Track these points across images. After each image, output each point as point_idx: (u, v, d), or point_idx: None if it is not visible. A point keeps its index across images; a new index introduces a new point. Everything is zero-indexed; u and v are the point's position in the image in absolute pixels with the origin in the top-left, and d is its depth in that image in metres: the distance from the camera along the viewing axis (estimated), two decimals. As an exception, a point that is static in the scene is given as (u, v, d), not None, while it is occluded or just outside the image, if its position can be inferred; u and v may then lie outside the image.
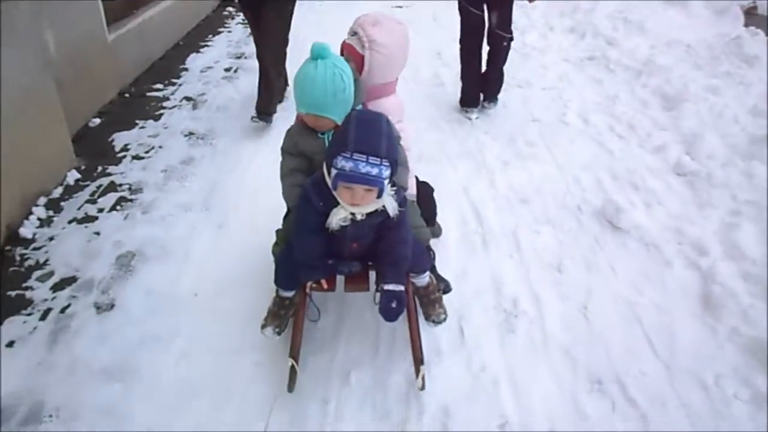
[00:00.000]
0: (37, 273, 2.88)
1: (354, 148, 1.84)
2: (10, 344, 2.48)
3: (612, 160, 3.89)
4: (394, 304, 2.06)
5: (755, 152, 3.78)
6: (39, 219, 3.25)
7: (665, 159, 3.87)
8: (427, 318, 2.39)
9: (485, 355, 2.44)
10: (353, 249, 2.15)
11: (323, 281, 2.18)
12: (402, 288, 2.09)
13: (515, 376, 2.35)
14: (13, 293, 2.75)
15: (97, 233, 3.15)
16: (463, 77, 4.50)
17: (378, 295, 2.13)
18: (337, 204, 1.97)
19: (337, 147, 1.88)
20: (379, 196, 1.94)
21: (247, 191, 3.51)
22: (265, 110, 4.19)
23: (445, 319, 2.39)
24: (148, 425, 2.14)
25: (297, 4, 4.24)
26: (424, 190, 2.72)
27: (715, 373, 2.38)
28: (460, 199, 3.47)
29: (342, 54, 2.31)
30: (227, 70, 5.55)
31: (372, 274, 2.27)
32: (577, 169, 3.77)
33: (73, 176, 3.64)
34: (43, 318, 2.61)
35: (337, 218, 1.98)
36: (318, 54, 2.05)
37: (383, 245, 2.12)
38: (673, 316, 2.66)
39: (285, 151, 2.29)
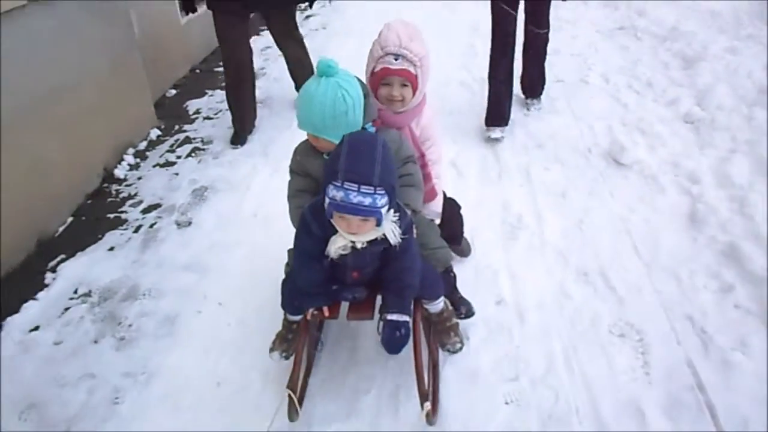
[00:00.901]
0: (130, 202, 3.56)
1: (344, 177, 1.70)
2: (111, 249, 3.15)
3: (626, 112, 4.26)
4: (397, 335, 1.95)
5: (760, 100, 4.07)
6: (129, 165, 3.94)
7: (676, 110, 4.21)
8: (442, 347, 2.30)
9: (490, 256, 2.93)
10: (354, 278, 2.03)
11: (325, 309, 2.05)
12: (406, 318, 1.97)
13: (513, 270, 2.84)
14: (111, 215, 3.44)
15: (176, 173, 3.81)
16: (490, 90, 4.00)
17: (381, 324, 1.99)
18: (335, 232, 1.86)
19: (329, 175, 1.75)
20: (379, 224, 1.81)
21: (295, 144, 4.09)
22: None
23: (461, 349, 2.28)
24: (219, 300, 2.74)
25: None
26: (450, 207, 2.58)
27: (689, 269, 2.79)
28: (481, 144, 3.95)
29: (382, 82, 2.15)
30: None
31: (379, 300, 2.10)
32: (592, 119, 4.18)
33: (155, 133, 4.34)
34: (135, 231, 3.28)
35: (335, 247, 1.87)
36: (323, 71, 1.90)
37: (387, 273, 1.99)
38: (660, 229, 3.06)
39: (292, 170, 2.19)
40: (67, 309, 2.78)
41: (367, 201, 1.72)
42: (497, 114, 3.98)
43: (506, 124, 4.02)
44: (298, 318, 2.20)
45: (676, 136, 3.89)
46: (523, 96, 4.43)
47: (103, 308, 2.76)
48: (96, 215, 3.45)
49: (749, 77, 4.48)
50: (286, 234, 2.06)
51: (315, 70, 1.93)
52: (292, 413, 2.11)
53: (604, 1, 6.92)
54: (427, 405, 2.03)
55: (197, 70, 5.63)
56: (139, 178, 3.80)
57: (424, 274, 2.06)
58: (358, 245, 1.87)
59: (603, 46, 5.60)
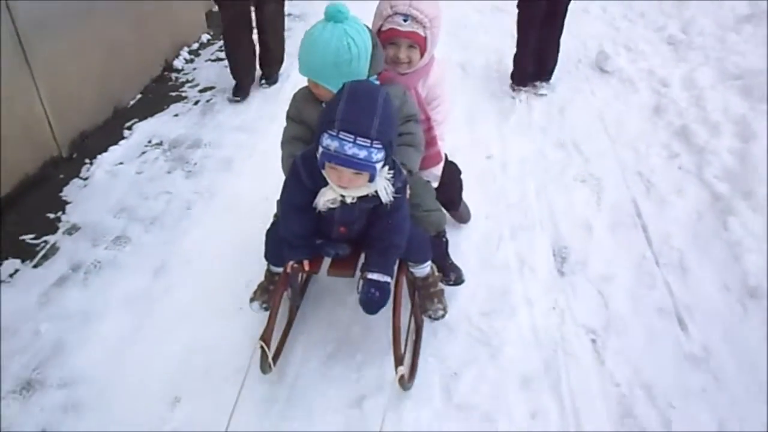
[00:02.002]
0: (188, 84, 4.25)
1: (341, 126, 1.63)
2: (176, 115, 3.85)
3: (617, 34, 4.84)
4: (376, 295, 1.89)
5: (736, 28, 4.63)
6: (184, 59, 4.61)
7: (661, 34, 4.78)
8: (424, 312, 2.23)
9: (484, 130, 3.58)
10: (341, 233, 1.98)
11: (305, 262, 1.98)
12: (387, 279, 1.92)
13: (503, 137, 3.49)
14: (173, 93, 4.13)
15: (226, 66, 4.46)
16: (519, 47, 3.93)
17: (361, 282, 1.94)
18: (326, 184, 1.80)
19: (324, 123, 1.67)
20: (372, 180, 1.74)
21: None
22: (271, 75, 4.21)
23: (442, 316, 2.20)
24: (265, 150, 3.43)
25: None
26: (450, 170, 2.47)
27: (646, 143, 3.43)
28: (486, 50, 4.56)
29: (389, 42, 2.06)
30: None
31: (362, 259, 2.04)
32: (586, 38, 4.75)
33: (205, 37, 4.99)
34: (195, 104, 3.98)
35: (324, 199, 1.81)
36: (332, 16, 1.82)
37: (373, 231, 1.94)
38: (628, 117, 3.69)
39: (289, 116, 2.11)
40: (143, 152, 3.49)
41: (362, 154, 1.65)
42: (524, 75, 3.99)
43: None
44: (280, 270, 2.14)
45: (657, 53, 4.47)
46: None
47: (173, 152, 3.47)
48: (160, 93, 4.14)
49: (732, 10, 5.01)
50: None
51: (324, 15, 1.85)
52: (265, 366, 2.06)
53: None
54: (401, 369, 1.97)
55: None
56: (194, 69, 4.48)
57: (413, 237, 2.00)
58: (348, 200, 1.81)
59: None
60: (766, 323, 2.31)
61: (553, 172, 3.21)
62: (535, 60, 3.93)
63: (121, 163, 3.39)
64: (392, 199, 1.81)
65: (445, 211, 2.39)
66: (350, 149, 1.64)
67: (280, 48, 4.20)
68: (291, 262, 1.98)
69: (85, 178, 3.28)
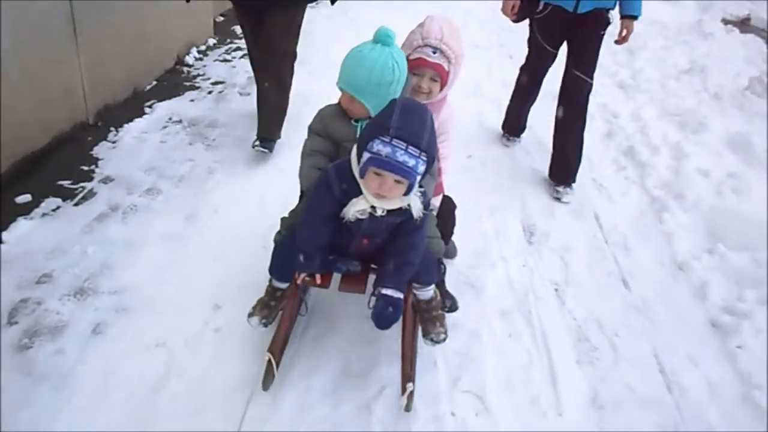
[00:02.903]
0: (200, 78, 4.70)
1: (395, 133, 1.71)
2: (192, 100, 4.29)
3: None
4: (389, 311, 1.94)
5: (678, 77, 5.45)
6: (195, 57, 5.06)
7: (614, 79, 5.54)
8: (425, 335, 2.21)
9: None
10: (362, 246, 2.02)
11: (317, 276, 2.02)
12: (401, 295, 1.96)
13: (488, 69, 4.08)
14: (187, 83, 4.57)
15: (234, 66, 4.96)
16: (512, 101, 4.02)
17: (374, 299, 2.00)
18: (358, 194, 1.85)
19: (377, 130, 1.75)
20: (407, 193, 1.83)
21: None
22: (269, 136, 3.56)
23: (444, 339, 2.20)
24: (276, 133, 3.89)
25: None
26: (447, 204, 2.57)
27: (600, 158, 4.06)
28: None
29: (413, 71, 2.19)
30: None
31: (371, 278, 2.13)
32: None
33: (212, 41, 5.47)
34: (208, 93, 4.43)
35: (355, 209, 1.85)
36: (381, 39, 1.97)
37: (392, 247, 1.99)
38: (585, 138, 4.34)
39: (312, 130, 2.20)
40: (165, 126, 3.90)
41: (411, 162, 1.73)
42: (515, 125, 4.08)
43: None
44: (284, 286, 2.21)
45: (610, 93, 5.21)
46: (550, 180, 3.65)
47: (192, 129, 3.90)
48: (175, 82, 4.57)
49: (674, 64, 5.86)
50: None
51: (373, 36, 1.99)
52: (268, 381, 2.10)
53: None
54: (410, 386, 2.05)
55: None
56: (204, 66, 4.94)
57: (424, 258, 2.05)
58: (378, 212, 1.86)
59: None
60: (689, 288, 2.91)
61: (524, 169, 3.80)
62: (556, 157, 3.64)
63: (145, 133, 3.78)
64: (421, 215, 1.90)
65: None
66: (401, 156, 1.72)
67: (282, 100, 3.62)
68: (303, 274, 2.02)
69: (114, 142, 3.65)
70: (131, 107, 4.07)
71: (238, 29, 5.85)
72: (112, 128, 3.78)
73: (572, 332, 2.58)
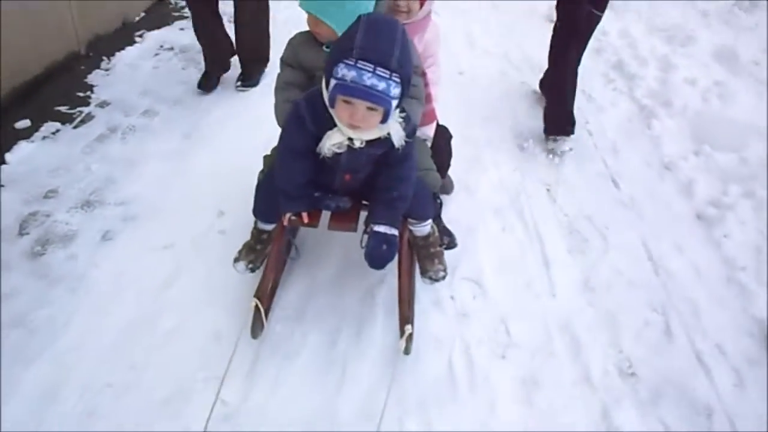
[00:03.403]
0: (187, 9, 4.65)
1: (359, 54, 1.52)
2: (182, 29, 4.26)
3: None
4: (383, 249, 1.79)
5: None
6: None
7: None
8: (423, 273, 2.11)
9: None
10: (345, 182, 1.87)
11: (304, 214, 1.87)
12: (395, 232, 1.82)
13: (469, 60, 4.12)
14: (176, 14, 4.53)
15: None
16: (553, 89, 3.37)
17: (366, 237, 1.86)
18: (333, 126, 1.68)
19: (340, 52, 1.57)
20: (384, 120, 1.64)
21: None
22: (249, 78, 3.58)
23: (443, 277, 2.10)
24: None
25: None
26: (442, 135, 2.41)
27: (590, 72, 4.10)
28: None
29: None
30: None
31: (363, 215, 1.99)
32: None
33: None
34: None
35: (331, 142, 1.67)
36: None
37: (381, 181, 1.83)
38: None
39: (284, 61, 2.05)
40: (157, 54, 3.92)
41: (381, 85, 1.54)
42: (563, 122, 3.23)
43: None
44: (269, 227, 2.06)
45: (598, 13, 5.20)
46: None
47: (184, 55, 3.91)
48: (163, 12, 4.53)
49: None
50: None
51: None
52: (257, 328, 1.99)
53: None
54: (409, 328, 1.94)
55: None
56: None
57: (417, 191, 1.88)
58: (356, 143, 1.69)
59: None
60: (676, 185, 3.01)
61: (514, 84, 3.85)
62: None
63: (138, 60, 3.79)
64: (404, 143, 1.72)
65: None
66: (369, 79, 1.53)
67: (261, 46, 3.59)
68: (288, 215, 1.88)
69: (107, 70, 3.67)
70: (122, 38, 4.05)
71: None
72: (104, 57, 3.78)
73: (563, 226, 2.69)
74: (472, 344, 2.11)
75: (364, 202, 1.98)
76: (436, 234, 2.12)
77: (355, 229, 1.99)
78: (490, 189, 2.86)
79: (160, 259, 2.36)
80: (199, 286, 2.25)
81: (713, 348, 2.17)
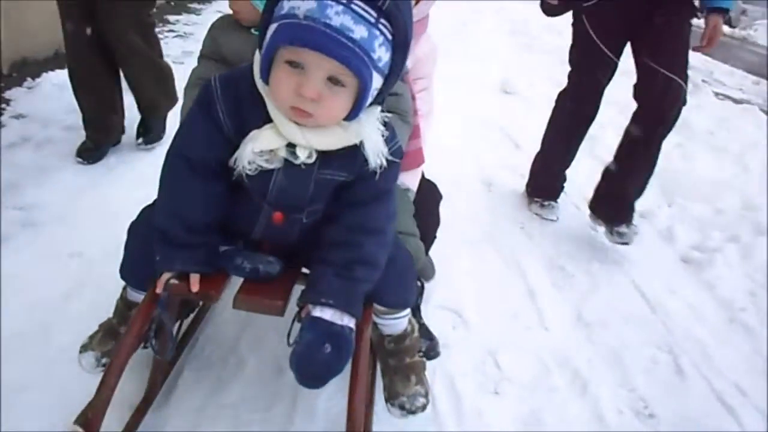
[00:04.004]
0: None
1: None
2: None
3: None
4: (324, 351, 1.01)
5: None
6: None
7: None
8: (391, 398, 1.32)
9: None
10: (273, 225, 1.11)
11: (193, 278, 1.10)
12: (349, 324, 1.06)
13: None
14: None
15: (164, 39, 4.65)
16: (545, 146, 2.75)
17: (298, 326, 1.07)
18: (263, 121, 1.00)
19: None
20: (355, 112, 0.97)
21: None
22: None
23: (424, 406, 1.31)
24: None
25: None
26: (430, 193, 1.72)
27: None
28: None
29: None
30: None
31: (298, 289, 1.15)
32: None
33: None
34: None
35: (256, 148, 0.99)
36: None
37: (336, 231, 1.09)
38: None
39: (202, 55, 1.56)
40: (89, 80, 3.53)
41: (360, 31, 0.88)
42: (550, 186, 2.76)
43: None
44: (142, 297, 1.22)
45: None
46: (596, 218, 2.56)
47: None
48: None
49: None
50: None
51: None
52: None
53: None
54: None
55: None
56: None
57: (394, 259, 1.16)
58: (300, 155, 1.00)
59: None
60: (655, 232, 2.80)
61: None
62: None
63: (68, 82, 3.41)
64: (385, 164, 1.03)
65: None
66: (337, 15, 0.87)
67: (154, 89, 2.72)
68: (167, 276, 1.10)
69: (30, 88, 3.30)
70: (51, 64, 3.68)
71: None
72: (28, 78, 3.39)
73: (545, 260, 2.39)
74: (456, 377, 1.71)
75: (304, 270, 1.19)
76: (415, 334, 1.36)
77: (281, 312, 1.13)
78: (462, 222, 2.55)
79: (64, 268, 1.89)
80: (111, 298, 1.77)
81: (732, 387, 1.85)
